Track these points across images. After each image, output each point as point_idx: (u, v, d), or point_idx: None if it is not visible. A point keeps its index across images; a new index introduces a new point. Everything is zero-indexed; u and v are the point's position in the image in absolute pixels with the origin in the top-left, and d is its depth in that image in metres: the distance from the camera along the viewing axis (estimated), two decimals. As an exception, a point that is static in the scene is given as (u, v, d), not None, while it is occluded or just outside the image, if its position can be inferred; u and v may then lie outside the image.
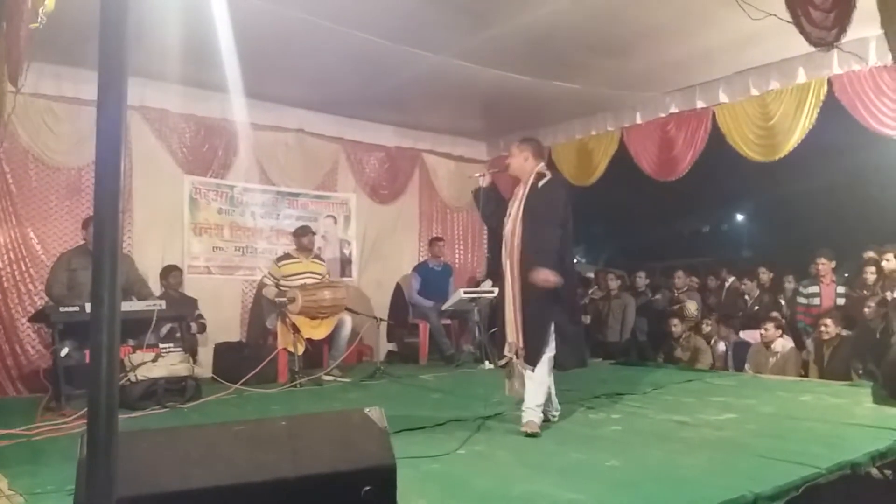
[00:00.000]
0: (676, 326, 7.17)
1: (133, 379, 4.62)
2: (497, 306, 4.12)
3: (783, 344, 6.22)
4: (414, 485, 2.83)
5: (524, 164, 4.12)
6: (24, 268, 5.83)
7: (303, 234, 6.46)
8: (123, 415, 4.34)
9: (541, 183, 4.01)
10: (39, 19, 2.74)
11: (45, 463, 3.28)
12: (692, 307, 7.56)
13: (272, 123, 7.16)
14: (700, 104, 6.60)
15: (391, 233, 8.22)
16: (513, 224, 4.00)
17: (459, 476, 3.01)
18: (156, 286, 6.12)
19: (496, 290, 7.48)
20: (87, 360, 4.45)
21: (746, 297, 7.67)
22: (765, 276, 7.59)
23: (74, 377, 4.80)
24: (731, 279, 8.41)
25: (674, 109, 6.83)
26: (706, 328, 7.14)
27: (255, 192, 7.13)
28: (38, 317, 5.04)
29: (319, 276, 6.40)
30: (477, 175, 4.57)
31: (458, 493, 2.79)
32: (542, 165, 4.15)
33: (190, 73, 5.88)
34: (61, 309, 4.76)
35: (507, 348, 4.02)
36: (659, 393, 5.17)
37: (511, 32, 5.22)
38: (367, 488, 1.66)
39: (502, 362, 4.13)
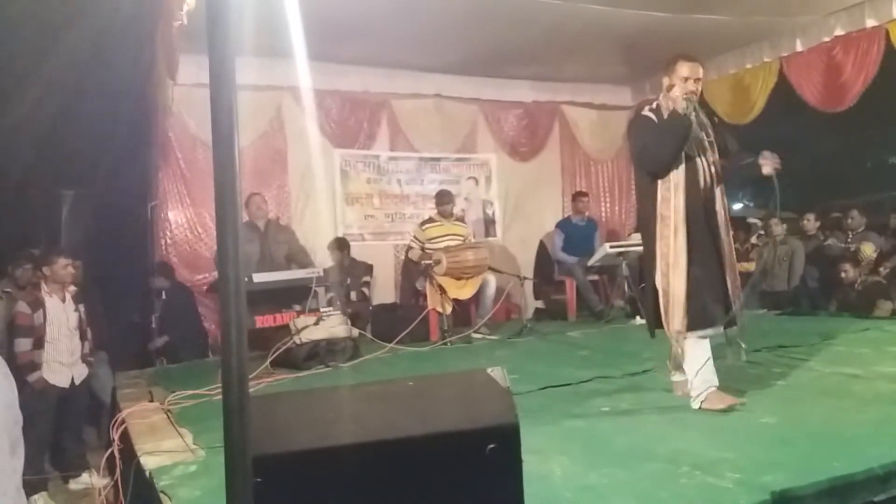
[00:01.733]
0: (848, 272, 6.55)
1: (298, 342, 4.99)
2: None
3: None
4: (556, 442, 2.85)
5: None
6: (202, 244, 6.45)
7: (442, 199, 6.59)
8: (290, 374, 4.75)
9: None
10: (182, 17, 2.97)
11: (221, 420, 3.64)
12: (868, 249, 6.86)
13: (410, 91, 7.32)
14: (871, 23, 5.86)
15: (533, 190, 8.16)
16: (711, 156, 3.40)
17: (602, 433, 2.99)
18: (325, 256, 6.53)
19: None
20: (256, 325, 4.90)
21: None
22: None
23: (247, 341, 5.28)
24: (919, 215, 7.53)
25: (839, 32, 6.11)
26: (884, 271, 6.46)
27: (399, 159, 7.36)
28: (213, 287, 5.59)
29: (462, 238, 6.52)
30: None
31: (600, 450, 2.77)
32: None
33: (331, 49, 6.11)
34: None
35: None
36: (829, 344, 4.77)
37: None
38: (492, 446, 1.69)
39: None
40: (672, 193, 3.28)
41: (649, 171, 3.35)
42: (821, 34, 6.27)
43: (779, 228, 7.34)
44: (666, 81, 3.37)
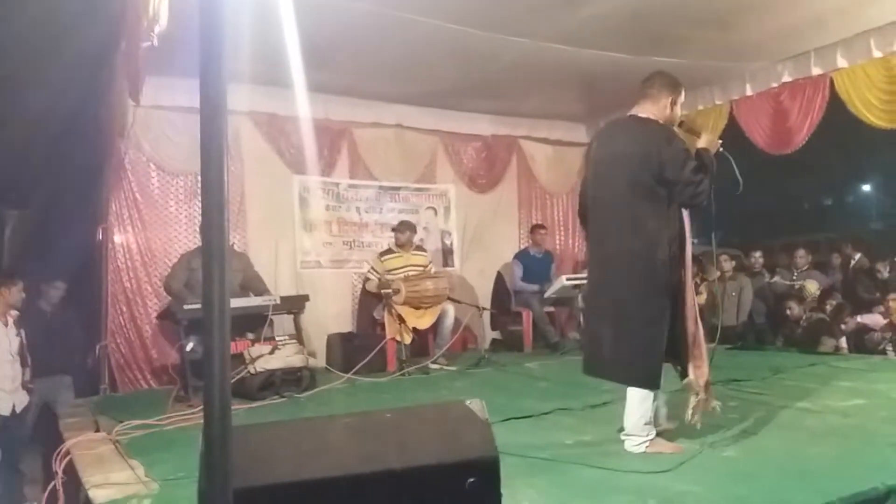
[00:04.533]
0: (794, 309, 6.78)
1: (252, 371, 4.87)
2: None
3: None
4: (522, 474, 2.83)
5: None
6: (150, 269, 6.26)
7: (402, 230, 6.57)
8: (244, 405, 4.61)
9: None
10: (153, 38, 2.92)
11: (176, 451, 3.50)
12: (812, 287, 7.13)
13: (371, 120, 7.33)
14: (816, 70, 6.14)
15: (491, 221, 8.21)
16: None
17: (567, 466, 2.99)
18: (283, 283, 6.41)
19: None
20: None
21: (878, 274, 7.14)
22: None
23: (200, 370, 5.14)
24: (858, 255, 7.86)
25: (787, 78, 6.38)
26: (829, 308, 6.71)
27: (358, 187, 7.33)
28: (165, 314, 5.42)
29: (421, 268, 6.51)
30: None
31: (567, 483, 2.77)
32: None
33: (293, 76, 6.09)
34: (185, 307, 5.08)
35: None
36: (780, 378, 4.91)
37: (607, 11, 5.07)
38: (472, 480, 1.67)
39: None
40: (686, 234, 3.14)
41: (692, 202, 3.09)
42: (769, 80, 6.54)
43: (727, 265, 7.56)
44: (666, 100, 3.26)
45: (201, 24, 1.29)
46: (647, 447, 3.13)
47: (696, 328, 3.16)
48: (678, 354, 3.19)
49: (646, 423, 3.13)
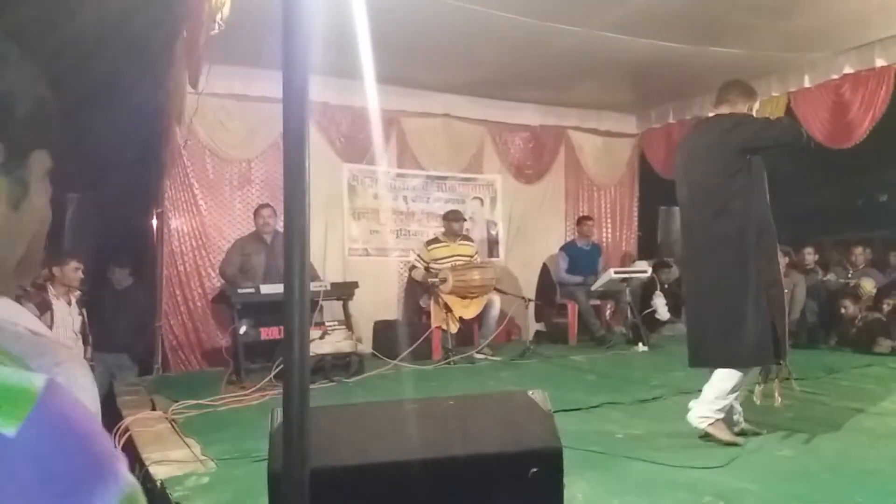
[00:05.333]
0: (849, 308, 6.59)
1: (302, 355, 4.94)
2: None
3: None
4: (574, 467, 2.81)
5: None
6: (204, 254, 6.41)
7: (452, 219, 6.58)
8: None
9: None
10: (217, 25, 2.97)
11: (230, 432, 3.60)
12: (868, 285, 6.92)
13: (420, 110, 7.34)
14: (880, 62, 5.94)
15: (537, 212, 8.18)
16: None
17: (619, 460, 2.98)
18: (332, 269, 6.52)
19: (649, 270, 7.31)
20: (262, 337, 4.88)
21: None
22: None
23: (251, 353, 5.26)
24: (918, 254, 7.60)
25: (848, 70, 6.19)
26: (886, 307, 6.50)
27: (406, 177, 7.37)
28: (219, 298, 5.55)
29: (468, 258, 6.52)
30: None
31: (619, 477, 2.76)
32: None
33: (344, 64, 6.13)
34: (239, 290, 5.19)
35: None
36: (835, 378, 4.80)
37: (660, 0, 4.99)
38: (535, 470, 1.68)
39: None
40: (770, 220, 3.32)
41: (790, 142, 3.29)
42: (829, 71, 6.35)
43: (781, 261, 7.38)
44: (743, 107, 3.42)
45: (285, 11, 1.31)
46: (708, 424, 3.17)
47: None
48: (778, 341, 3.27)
49: (719, 402, 3.17)
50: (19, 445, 0.43)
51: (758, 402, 3.38)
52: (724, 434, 3.17)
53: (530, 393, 1.85)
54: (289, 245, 1.34)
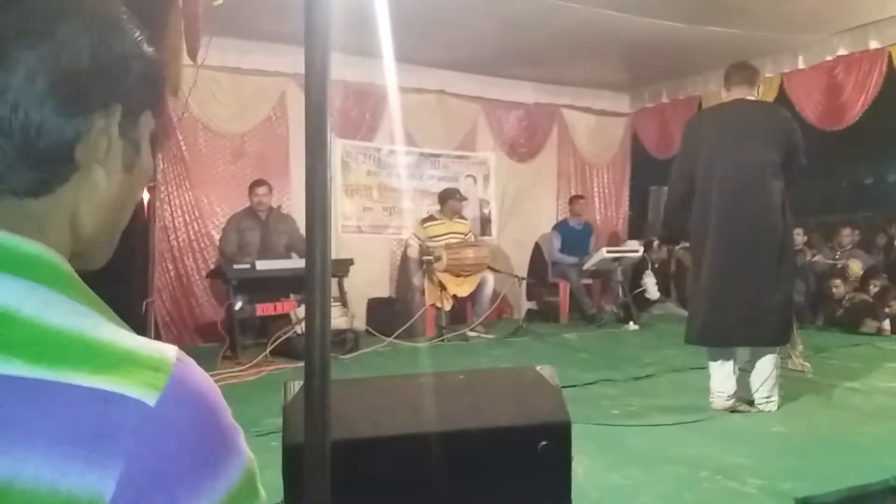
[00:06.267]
0: (838, 288, 6.69)
1: (299, 331, 4.96)
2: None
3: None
4: (574, 441, 2.87)
5: None
6: (197, 227, 6.37)
7: (449, 197, 6.58)
8: (291, 364, 4.72)
9: None
10: (221, -2, 2.94)
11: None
12: (856, 267, 7.02)
13: (415, 85, 7.26)
14: (874, 44, 5.96)
15: (529, 191, 8.18)
16: None
17: (617, 435, 3.03)
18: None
19: (641, 249, 7.37)
20: (257, 314, 4.87)
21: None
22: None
23: (247, 329, 5.26)
24: (904, 236, 7.70)
25: (842, 52, 6.20)
26: (873, 289, 6.60)
27: (399, 153, 7.33)
28: (215, 273, 5.54)
29: (462, 236, 6.53)
30: None
31: (618, 451, 2.81)
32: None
33: (339, 39, 6.08)
34: (235, 266, 5.18)
35: None
36: (823, 357, 4.87)
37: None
38: (544, 443, 1.71)
39: None
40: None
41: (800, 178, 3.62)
42: (823, 53, 6.37)
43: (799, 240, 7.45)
44: (756, 88, 3.68)
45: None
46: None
47: None
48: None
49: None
50: (159, 415, 0.44)
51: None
52: None
53: (538, 368, 1.88)
54: (310, 219, 1.35)
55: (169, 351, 0.49)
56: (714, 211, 3.43)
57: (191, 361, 0.50)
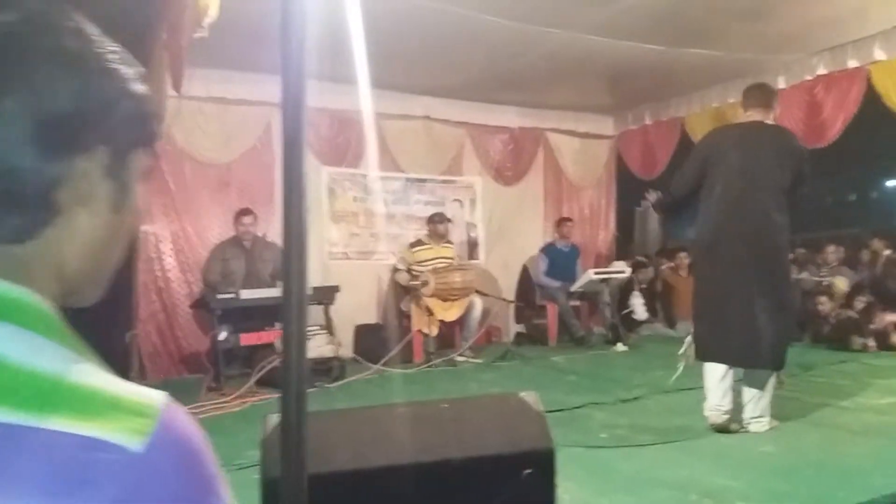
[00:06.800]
0: (824, 305, 6.72)
1: (284, 360, 4.91)
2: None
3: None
4: (560, 467, 2.83)
5: None
6: (182, 258, 6.33)
7: (438, 221, 6.59)
8: (276, 394, 4.66)
9: None
10: (203, 29, 2.94)
11: (211, 440, 3.54)
12: (841, 284, 7.06)
13: (400, 112, 7.32)
14: (852, 63, 6.06)
15: (516, 214, 8.21)
16: None
17: (605, 459, 3.01)
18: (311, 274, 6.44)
19: (628, 270, 7.39)
20: (241, 343, 4.82)
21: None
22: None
23: (231, 359, 5.21)
24: (887, 252, 7.76)
25: (822, 71, 6.30)
26: (859, 305, 6.63)
27: (386, 179, 7.36)
28: (199, 303, 5.50)
29: (450, 260, 6.53)
30: None
31: (606, 476, 2.78)
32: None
33: (323, 68, 6.09)
34: (218, 296, 5.14)
35: None
36: (811, 375, 4.89)
37: (641, 2, 5.04)
38: (528, 471, 1.69)
39: None
40: None
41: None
42: (804, 72, 6.46)
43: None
44: (773, 114, 3.68)
45: (283, 15, 1.30)
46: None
47: None
48: None
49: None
50: (146, 462, 0.44)
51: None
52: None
53: (522, 394, 1.86)
54: (287, 248, 1.33)
55: (156, 396, 0.49)
56: (722, 230, 3.49)
57: (178, 407, 0.50)
